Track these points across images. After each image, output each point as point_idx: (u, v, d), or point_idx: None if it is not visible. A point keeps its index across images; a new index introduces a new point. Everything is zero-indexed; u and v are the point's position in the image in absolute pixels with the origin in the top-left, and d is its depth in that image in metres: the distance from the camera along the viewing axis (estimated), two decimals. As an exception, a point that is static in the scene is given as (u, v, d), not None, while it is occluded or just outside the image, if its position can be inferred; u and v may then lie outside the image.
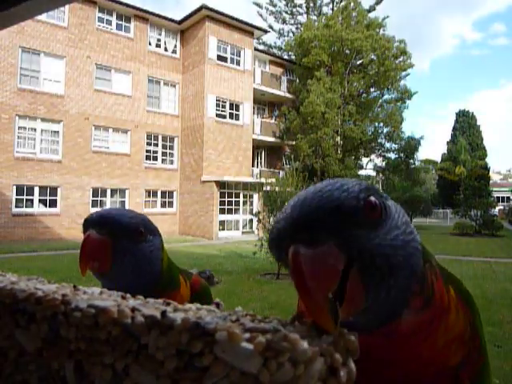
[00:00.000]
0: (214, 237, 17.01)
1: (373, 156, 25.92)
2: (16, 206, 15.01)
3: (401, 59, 23.60)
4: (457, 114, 44.16)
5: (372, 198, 0.51)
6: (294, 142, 22.19)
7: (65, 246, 12.80)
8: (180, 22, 19.01)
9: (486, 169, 38.58)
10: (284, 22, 29.74)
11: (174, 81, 19.51)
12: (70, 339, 0.39)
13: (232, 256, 11.60)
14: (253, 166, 20.85)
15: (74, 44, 16.52)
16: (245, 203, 18.64)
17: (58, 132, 16.14)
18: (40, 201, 15.66)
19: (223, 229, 17.79)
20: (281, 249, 0.49)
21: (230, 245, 14.74)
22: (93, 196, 16.83)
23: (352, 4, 23.59)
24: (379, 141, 24.66)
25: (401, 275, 0.51)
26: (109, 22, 17.66)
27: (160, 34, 19.19)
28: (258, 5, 29.90)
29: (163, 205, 18.95)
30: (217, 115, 18.51)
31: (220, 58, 18.79)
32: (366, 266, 0.48)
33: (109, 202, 17.34)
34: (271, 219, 8.96)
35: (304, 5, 28.40)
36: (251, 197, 18.72)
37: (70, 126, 16.31)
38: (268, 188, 9.97)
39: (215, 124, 18.39)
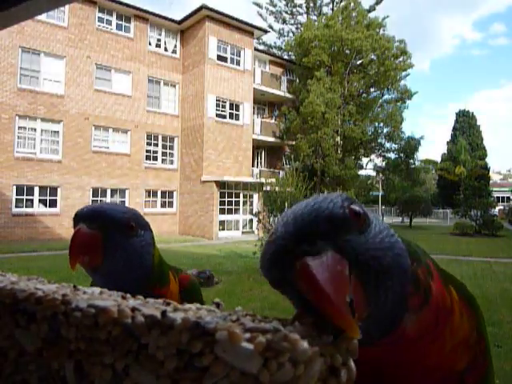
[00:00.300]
0: (214, 237, 17.02)
1: (373, 156, 25.95)
2: (16, 206, 15.02)
3: (401, 59, 23.61)
4: (457, 114, 44.16)
5: (354, 206, 0.53)
6: (293, 142, 22.20)
7: (65, 246, 12.70)
8: (180, 22, 19.02)
9: (486, 169, 38.60)
10: (284, 21, 29.75)
11: (174, 81, 19.51)
12: (70, 339, 0.39)
13: (232, 256, 11.60)
14: (253, 166, 20.85)
15: (74, 44, 16.53)
16: (245, 203, 18.65)
17: (58, 132, 16.15)
18: (40, 201, 15.67)
19: (223, 229, 17.79)
20: (282, 267, 0.50)
21: (230, 245, 14.75)
22: (93, 196, 16.84)
23: (352, 4, 23.59)
24: (379, 141, 24.68)
25: (394, 275, 0.53)
26: (109, 22, 17.66)
27: (160, 34, 19.20)
28: (258, 5, 29.91)
29: (163, 205, 18.96)
30: (217, 115, 18.51)
31: (220, 57, 18.80)
32: (363, 270, 0.50)
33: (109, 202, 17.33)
34: (271, 219, 8.97)
35: (304, 5, 28.42)
36: (251, 197, 18.72)
37: (70, 126, 16.32)
38: (268, 188, 9.97)
39: (215, 124, 18.40)
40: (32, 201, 15.47)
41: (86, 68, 16.85)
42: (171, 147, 19.48)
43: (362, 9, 23.79)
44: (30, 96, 15.44)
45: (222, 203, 17.65)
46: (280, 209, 8.76)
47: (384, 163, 25.67)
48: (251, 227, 18.25)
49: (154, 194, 18.71)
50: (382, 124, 24.14)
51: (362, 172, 25.62)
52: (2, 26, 1.19)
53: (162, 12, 37.48)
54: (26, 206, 15.25)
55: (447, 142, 43.88)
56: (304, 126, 21.54)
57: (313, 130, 21.36)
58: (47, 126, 15.95)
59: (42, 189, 15.66)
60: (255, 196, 18.33)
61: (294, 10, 28.99)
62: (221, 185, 17.49)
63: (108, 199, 17.32)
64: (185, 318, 0.32)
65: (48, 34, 15.87)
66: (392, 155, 25.13)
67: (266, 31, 21.98)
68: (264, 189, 10.60)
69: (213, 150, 18.15)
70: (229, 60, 19.22)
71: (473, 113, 43.78)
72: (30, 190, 15.39)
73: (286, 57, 26.72)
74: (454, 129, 43.75)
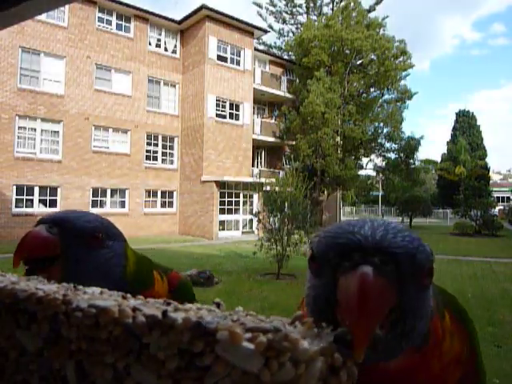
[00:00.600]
0: (214, 237, 17.01)
1: (373, 156, 25.90)
2: (16, 206, 15.02)
3: (401, 59, 23.59)
4: (457, 114, 44.17)
5: (432, 266, 0.53)
6: (294, 142, 22.19)
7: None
8: (180, 22, 19.02)
9: (486, 169, 38.63)
10: (284, 22, 29.71)
11: (174, 81, 19.51)
12: (71, 339, 0.39)
13: (232, 256, 11.60)
14: (253, 166, 20.85)
15: (74, 44, 16.53)
16: (245, 203, 18.65)
17: (58, 132, 16.15)
18: (40, 201, 15.67)
19: (223, 229, 17.79)
20: (342, 258, 0.49)
21: (230, 245, 14.75)
22: (93, 196, 16.84)
23: (352, 4, 23.58)
24: (379, 141, 24.65)
25: (410, 337, 0.53)
26: (109, 22, 17.66)
27: (160, 34, 19.20)
28: (258, 5, 29.88)
29: (163, 205, 18.96)
30: (217, 115, 18.51)
31: (220, 57, 18.80)
32: (398, 318, 0.50)
33: (109, 202, 17.35)
34: (271, 219, 8.96)
35: (304, 5, 28.37)
36: (251, 197, 18.72)
37: (70, 126, 16.32)
38: (268, 188, 9.97)
39: (215, 124, 18.40)
40: (32, 201, 15.47)
41: (86, 68, 16.85)
42: (171, 147, 19.48)
43: (361, 9, 23.77)
44: (30, 96, 15.44)
45: (221, 203, 17.65)
46: (280, 209, 8.76)
47: (384, 163, 25.64)
48: (251, 227, 18.25)
49: (154, 194, 18.71)
50: (382, 124, 24.11)
51: (362, 172, 25.60)
52: (2, 25, 1.19)
53: (163, 12, 37.49)
54: (26, 206, 15.25)
55: (447, 142, 43.90)
56: (304, 126, 21.53)
57: (313, 130, 21.35)
58: (47, 126, 15.95)
59: (42, 189, 15.67)
60: (255, 196, 18.33)
61: (294, 10, 28.96)
62: (221, 185, 17.49)
63: (108, 199, 17.33)
64: (186, 318, 0.32)
65: (48, 34, 15.87)
66: (392, 155, 25.11)
67: (266, 31, 21.98)
68: (264, 189, 10.59)
69: (213, 150, 18.15)
70: (229, 60, 19.22)
71: (473, 113, 43.84)
72: (30, 190, 15.40)
73: (285, 57, 26.70)
74: (454, 129, 43.77)
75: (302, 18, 28.70)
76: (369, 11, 25.71)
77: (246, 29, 19.73)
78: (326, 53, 22.37)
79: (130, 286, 0.89)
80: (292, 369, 0.32)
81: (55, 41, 16.06)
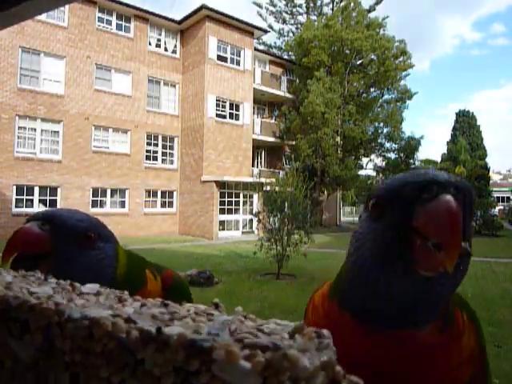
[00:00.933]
0: (214, 237, 17.01)
1: (373, 156, 25.91)
2: (16, 206, 15.02)
3: (401, 59, 23.59)
4: (457, 114, 44.10)
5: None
6: (294, 142, 22.19)
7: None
8: (180, 22, 19.01)
9: (486, 169, 38.54)
10: (284, 22, 29.70)
11: (174, 81, 19.51)
12: (65, 350, 0.38)
13: (232, 256, 11.59)
14: (253, 166, 20.84)
15: (74, 44, 16.52)
16: (245, 203, 18.64)
17: (58, 132, 16.15)
18: (40, 201, 15.67)
19: (223, 229, 17.79)
20: (421, 191, 0.57)
21: (230, 245, 14.74)
22: (93, 196, 16.84)
23: (352, 4, 23.57)
24: (379, 141, 24.66)
25: (454, 285, 0.61)
26: (109, 22, 17.66)
27: (160, 34, 19.19)
28: (258, 5, 29.87)
29: (163, 205, 18.95)
30: (217, 115, 18.50)
31: (220, 57, 18.79)
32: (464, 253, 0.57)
33: (109, 202, 17.35)
34: (271, 219, 8.95)
35: (304, 5, 28.36)
36: (251, 197, 18.71)
37: (70, 126, 16.32)
38: (268, 188, 9.96)
39: (215, 124, 18.39)
40: (32, 201, 15.47)
41: (86, 68, 16.84)
42: (171, 147, 19.47)
43: (361, 9, 23.76)
44: (30, 96, 15.44)
45: (221, 203, 17.64)
46: (280, 209, 8.75)
47: (384, 163, 25.65)
48: (251, 227, 18.24)
49: (154, 194, 18.70)
50: (381, 124, 24.12)
51: (362, 172, 25.60)
52: (2, 25, 1.18)
53: (162, 12, 37.45)
54: (26, 206, 15.24)
55: (447, 142, 43.81)
56: (304, 126, 21.52)
57: (313, 130, 21.35)
58: (47, 126, 15.95)
59: (42, 189, 15.66)
60: (255, 196, 18.32)
61: (294, 10, 28.95)
62: (221, 185, 17.48)
63: (108, 199, 17.32)
64: (180, 335, 0.32)
65: (48, 34, 15.87)
66: (392, 155, 25.11)
67: (266, 31, 21.97)
68: (264, 189, 10.58)
69: (213, 150, 18.15)
70: (229, 60, 19.21)
71: (473, 113, 43.74)
72: (30, 190, 15.39)
73: (285, 57, 26.69)
74: (454, 129, 43.70)
75: (302, 18, 28.70)
76: (369, 11, 25.70)
77: (246, 29, 19.73)
78: (325, 53, 22.36)
79: (120, 287, 0.89)
80: (291, 386, 0.31)
81: (55, 41, 16.06)
